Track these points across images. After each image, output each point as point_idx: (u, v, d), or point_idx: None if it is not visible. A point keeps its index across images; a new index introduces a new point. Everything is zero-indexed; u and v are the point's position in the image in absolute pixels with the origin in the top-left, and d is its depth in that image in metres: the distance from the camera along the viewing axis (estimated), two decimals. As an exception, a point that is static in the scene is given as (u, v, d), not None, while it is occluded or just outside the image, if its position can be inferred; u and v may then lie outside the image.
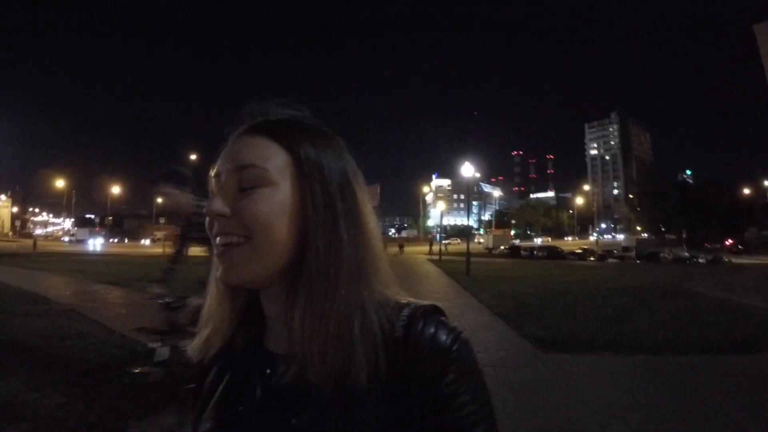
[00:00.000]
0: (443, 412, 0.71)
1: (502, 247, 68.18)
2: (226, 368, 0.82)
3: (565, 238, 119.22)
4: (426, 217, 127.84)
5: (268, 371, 0.77)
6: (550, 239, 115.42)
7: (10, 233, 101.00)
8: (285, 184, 0.75)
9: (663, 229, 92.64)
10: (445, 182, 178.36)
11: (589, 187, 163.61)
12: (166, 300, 4.16)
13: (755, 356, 7.67)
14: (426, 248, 62.66)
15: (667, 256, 56.57)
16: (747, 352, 7.91)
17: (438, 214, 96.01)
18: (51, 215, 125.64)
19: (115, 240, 70.40)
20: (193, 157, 54.12)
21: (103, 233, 76.97)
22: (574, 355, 7.73)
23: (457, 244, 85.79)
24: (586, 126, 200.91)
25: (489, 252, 67.25)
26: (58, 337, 7.96)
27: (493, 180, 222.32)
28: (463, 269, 25.25)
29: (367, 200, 0.81)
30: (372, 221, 0.81)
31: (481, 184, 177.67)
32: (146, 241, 68.39)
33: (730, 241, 74.97)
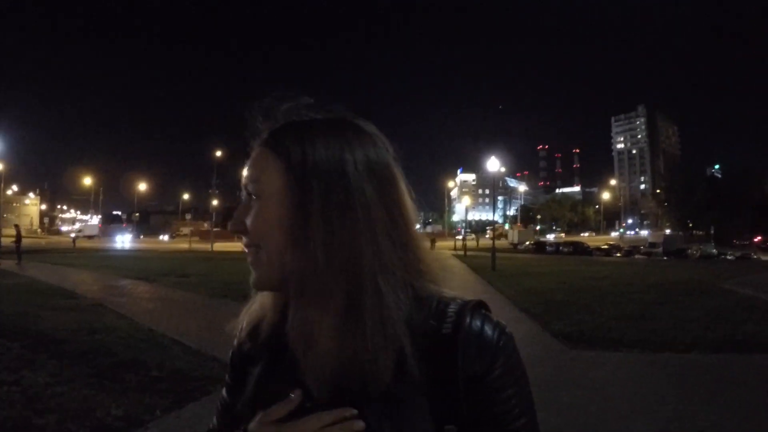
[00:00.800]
0: (489, 406, 0.73)
1: (527, 243, 67.91)
2: (273, 357, 0.85)
3: (582, 234, 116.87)
4: (451, 212, 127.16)
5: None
6: (564, 235, 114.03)
7: (39, 230, 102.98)
8: (278, 194, 0.78)
9: (690, 225, 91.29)
10: (470, 177, 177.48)
11: (616, 181, 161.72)
12: None
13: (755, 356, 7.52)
14: (451, 243, 62.81)
15: (694, 252, 55.55)
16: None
17: (463, 209, 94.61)
18: (79, 212, 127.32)
19: (128, 236, 70.25)
20: (218, 153, 54.19)
21: (130, 229, 76.31)
22: (600, 352, 7.67)
23: (471, 239, 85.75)
24: (613, 119, 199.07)
25: (514, 247, 67.07)
26: (87, 330, 8.03)
27: (518, 174, 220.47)
28: (488, 264, 25.20)
29: (395, 191, 0.81)
30: (402, 211, 0.81)
31: (507, 178, 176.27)
32: (165, 237, 66.65)
33: (759, 237, 73.37)
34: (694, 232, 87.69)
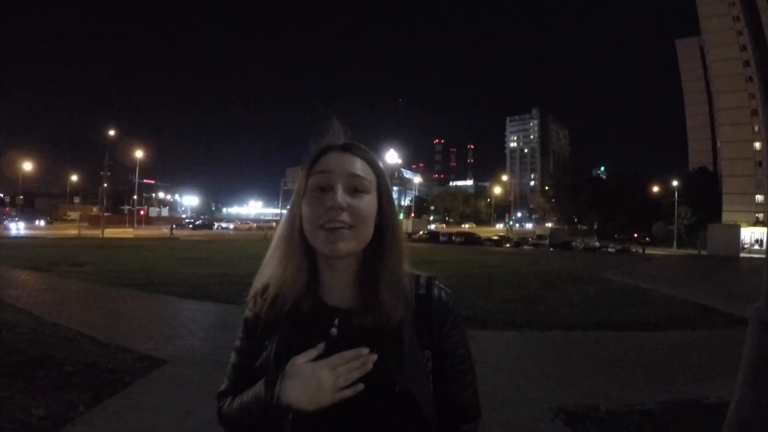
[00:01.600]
0: (447, 339, 1.16)
1: (420, 233, 69.08)
2: (295, 319, 1.12)
3: (463, 226, 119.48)
4: None
5: (337, 320, 1.11)
6: (467, 226, 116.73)
7: None
8: (374, 192, 1.14)
9: (576, 220, 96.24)
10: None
11: (507, 177, 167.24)
12: None
13: (656, 333, 8.56)
14: None
15: (578, 245, 59.13)
16: (649, 330, 8.81)
17: None
18: None
19: (21, 223, 62.25)
20: (111, 132, 50.87)
21: (15, 216, 68.40)
22: (494, 331, 8.30)
23: None
24: (508, 119, 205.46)
25: (408, 237, 68.25)
26: None
27: (414, 166, 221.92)
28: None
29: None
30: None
31: (402, 169, 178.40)
32: (41, 222, 61.45)
33: (637, 234, 79.13)
34: (579, 226, 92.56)
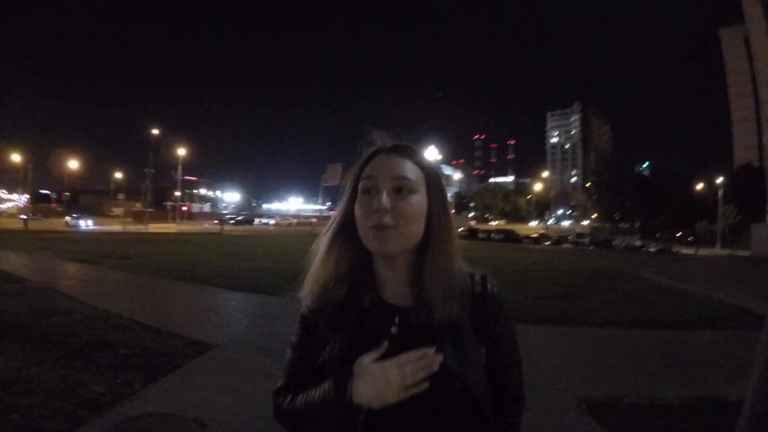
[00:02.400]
0: (501, 333, 1.22)
1: (460, 229, 69.05)
2: (356, 317, 1.17)
3: (491, 223, 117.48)
4: None
5: (397, 319, 1.15)
6: (503, 222, 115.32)
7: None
8: (422, 192, 1.17)
9: (617, 218, 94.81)
10: None
11: (548, 173, 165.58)
12: None
13: (688, 332, 8.57)
14: None
15: (619, 243, 58.08)
16: (679, 329, 8.84)
17: None
18: (4, 191, 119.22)
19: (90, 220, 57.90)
20: (155, 130, 51.68)
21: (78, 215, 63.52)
22: (528, 326, 8.42)
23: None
24: (548, 114, 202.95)
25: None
26: (43, 314, 7.98)
27: (453, 163, 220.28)
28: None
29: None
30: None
31: (443, 166, 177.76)
32: (68, 219, 56.70)
33: (681, 233, 77.44)
34: (621, 224, 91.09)
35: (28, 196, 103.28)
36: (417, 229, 1.14)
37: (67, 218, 55.41)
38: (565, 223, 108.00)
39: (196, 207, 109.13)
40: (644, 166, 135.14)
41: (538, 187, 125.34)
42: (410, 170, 1.16)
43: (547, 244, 57.17)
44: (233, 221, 77.19)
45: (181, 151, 73.11)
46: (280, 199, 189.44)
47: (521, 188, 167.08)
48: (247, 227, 69.11)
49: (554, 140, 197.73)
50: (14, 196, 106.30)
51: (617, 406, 4.95)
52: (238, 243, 31.29)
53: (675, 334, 8.52)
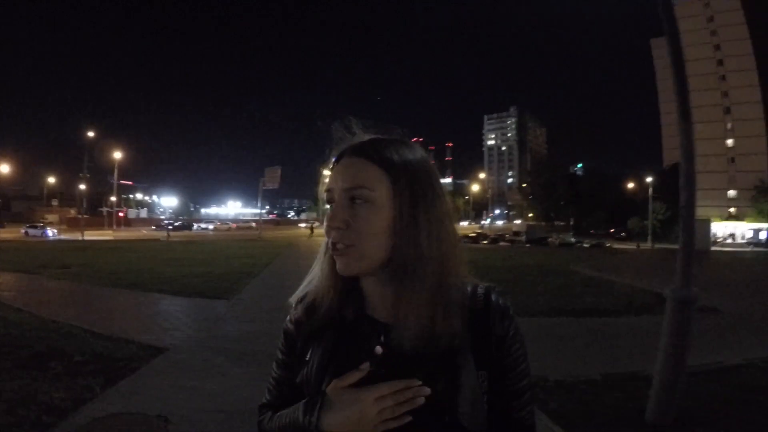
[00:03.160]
0: (507, 355, 1.01)
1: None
2: (338, 333, 1.04)
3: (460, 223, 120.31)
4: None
5: (382, 337, 0.99)
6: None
7: None
8: (384, 201, 0.96)
9: (553, 216, 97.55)
10: None
11: (485, 175, 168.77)
12: None
13: (612, 318, 9.37)
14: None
15: (554, 240, 60.10)
16: (606, 315, 9.66)
17: None
18: None
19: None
20: (90, 133, 49.38)
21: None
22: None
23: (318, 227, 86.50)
24: (486, 117, 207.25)
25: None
26: None
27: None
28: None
29: (446, 198, 1.05)
30: (451, 217, 1.05)
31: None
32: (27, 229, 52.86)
33: (614, 228, 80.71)
34: (556, 222, 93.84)
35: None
36: (376, 245, 0.97)
37: (26, 228, 52.36)
38: (499, 223, 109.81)
39: (132, 213, 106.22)
40: (578, 166, 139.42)
41: (475, 187, 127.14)
42: (367, 174, 0.98)
43: (484, 243, 58.33)
44: (171, 227, 75.65)
45: (117, 155, 71.00)
46: (219, 203, 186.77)
47: (459, 189, 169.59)
48: (185, 233, 67.50)
49: (491, 142, 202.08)
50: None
51: (544, 384, 5.49)
52: (177, 249, 30.81)
53: (600, 320, 9.39)
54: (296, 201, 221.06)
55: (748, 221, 76.13)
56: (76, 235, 46.52)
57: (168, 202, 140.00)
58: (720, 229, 75.37)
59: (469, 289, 1.05)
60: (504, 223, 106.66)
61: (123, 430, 4.29)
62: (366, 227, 0.96)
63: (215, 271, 16.89)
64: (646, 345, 7.00)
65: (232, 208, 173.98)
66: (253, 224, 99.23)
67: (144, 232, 63.99)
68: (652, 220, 72.30)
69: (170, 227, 63.58)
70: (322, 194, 1.05)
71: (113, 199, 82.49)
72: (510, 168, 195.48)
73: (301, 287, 1.16)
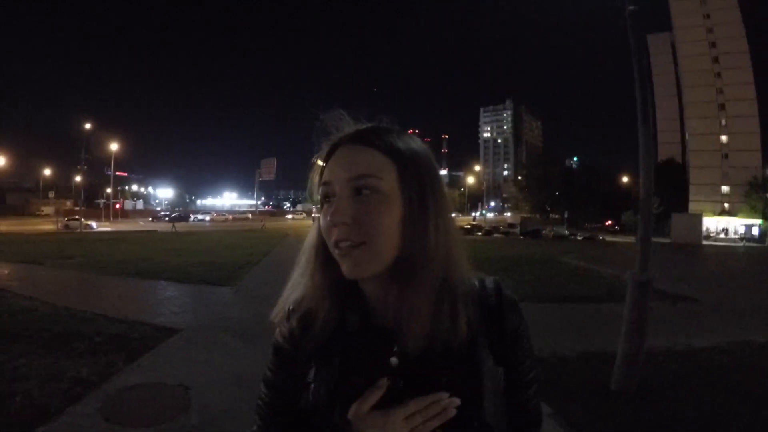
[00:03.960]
0: (521, 346, 1.00)
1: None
2: (343, 348, 0.94)
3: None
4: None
5: (395, 347, 0.90)
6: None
7: None
8: (393, 191, 0.88)
9: (548, 209, 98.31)
10: None
11: (481, 167, 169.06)
12: None
13: (592, 305, 10.01)
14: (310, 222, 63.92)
15: (548, 233, 60.82)
16: (587, 302, 10.32)
17: None
18: None
19: None
20: (87, 126, 48.92)
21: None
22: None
23: (303, 218, 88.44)
24: (482, 110, 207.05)
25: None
26: (7, 314, 8.21)
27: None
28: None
29: (446, 191, 0.97)
30: (452, 210, 1.00)
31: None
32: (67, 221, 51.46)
33: (609, 222, 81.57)
34: (551, 215, 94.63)
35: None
36: (392, 241, 0.88)
37: (65, 220, 52.17)
38: (490, 215, 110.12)
39: (129, 204, 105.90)
40: (574, 160, 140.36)
41: (471, 180, 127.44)
42: (374, 162, 0.89)
43: (479, 234, 58.92)
44: (167, 218, 75.11)
45: (114, 146, 70.62)
46: (214, 194, 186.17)
47: (455, 181, 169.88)
48: (183, 224, 67.05)
49: (487, 135, 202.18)
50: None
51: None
52: (177, 240, 31.25)
53: (581, 306, 10.05)
54: (292, 192, 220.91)
55: (740, 217, 76.87)
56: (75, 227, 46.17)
57: (164, 193, 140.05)
58: (713, 224, 76.24)
59: (476, 283, 1.01)
60: (495, 215, 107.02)
61: (148, 398, 4.83)
62: (378, 221, 0.86)
63: (217, 261, 17.54)
64: (618, 327, 7.84)
65: (228, 200, 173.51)
66: (249, 215, 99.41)
67: (141, 224, 63.78)
68: (646, 215, 73.14)
69: (167, 219, 63.29)
70: (313, 188, 0.98)
71: (109, 190, 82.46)
72: (505, 160, 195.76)
73: (283, 298, 1.04)
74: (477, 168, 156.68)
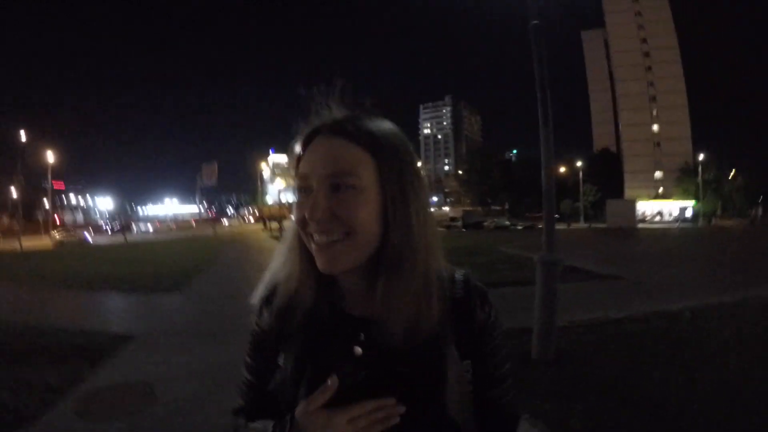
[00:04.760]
0: (491, 341, 0.99)
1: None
2: (313, 334, 0.96)
3: None
4: (264, 194, 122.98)
5: (362, 335, 0.93)
6: None
7: None
8: (371, 186, 0.88)
9: (489, 201, 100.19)
10: (283, 158, 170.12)
11: (422, 163, 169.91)
12: None
13: (520, 288, 10.54)
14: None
15: (489, 224, 62.40)
16: (516, 285, 11.07)
17: (276, 191, 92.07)
18: None
19: None
20: (23, 136, 46.30)
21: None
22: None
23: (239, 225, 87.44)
24: (421, 107, 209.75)
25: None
26: None
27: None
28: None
29: (426, 184, 0.98)
30: (429, 200, 1.00)
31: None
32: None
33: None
34: (492, 207, 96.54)
35: None
36: (371, 233, 0.89)
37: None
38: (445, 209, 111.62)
39: (69, 217, 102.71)
40: (513, 152, 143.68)
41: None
42: (350, 156, 0.89)
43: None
44: (111, 231, 71.17)
45: (50, 157, 67.86)
46: (155, 201, 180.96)
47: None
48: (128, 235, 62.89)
49: (427, 131, 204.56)
50: None
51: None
52: (119, 252, 30.59)
53: (512, 289, 10.76)
54: (234, 196, 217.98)
55: (674, 200, 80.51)
56: (13, 246, 42.13)
57: (103, 203, 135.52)
58: (648, 207, 79.65)
59: (446, 274, 1.00)
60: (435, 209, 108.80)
61: (117, 397, 5.23)
62: (355, 215, 0.87)
63: (160, 271, 17.46)
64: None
65: (170, 206, 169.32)
66: (193, 223, 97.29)
67: (80, 237, 61.58)
68: (584, 202, 75.73)
69: (114, 231, 61.04)
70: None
71: (46, 203, 79.72)
72: (446, 156, 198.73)
73: (263, 284, 1.06)
74: (418, 164, 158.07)
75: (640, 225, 65.24)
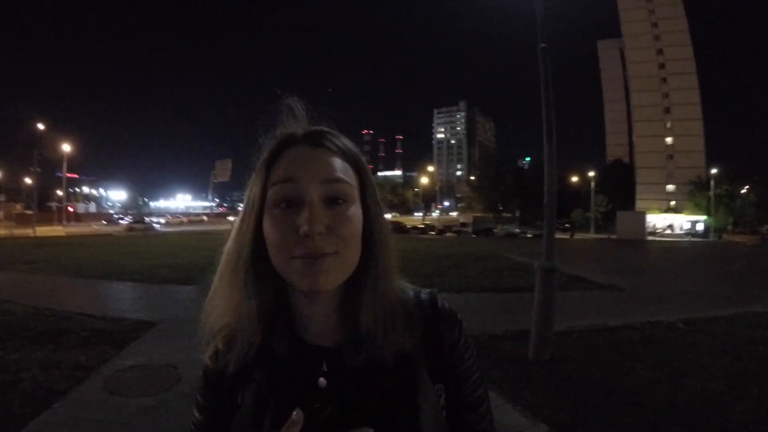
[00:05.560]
0: (461, 363, 0.93)
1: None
2: (270, 368, 0.87)
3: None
4: None
5: (324, 365, 0.86)
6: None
7: None
8: (357, 198, 0.84)
9: (500, 208, 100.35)
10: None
11: (434, 167, 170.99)
12: None
13: (524, 294, 10.72)
14: None
15: (499, 231, 62.75)
16: (521, 292, 11.44)
17: None
18: None
19: None
20: (41, 126, 47.43)
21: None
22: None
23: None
24: (435, 111, 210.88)
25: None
26: None
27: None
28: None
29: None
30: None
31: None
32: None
33: (560, 220, 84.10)
34: (503, 214, 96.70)
35: None
36: (358, 251, 0.83)
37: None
38: (435, 214, 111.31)
39: (81, 207, 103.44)
40: (526, 160, 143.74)
41: (425, 180, 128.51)
42: (343, 168, 0.83)
43: (432, 234, 60.35)
44: (134, 222, 70.92)
45: (66, 147, 68.60)
46: (167, 196, 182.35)
47: (409, 181, 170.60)
48: (142, 227, 62.18)
49: (441, 136, 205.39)
50: None
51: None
52: (133, 243, 31.00)
53: (515, 295, 11.23)
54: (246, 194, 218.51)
55: (685, 214, 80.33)
56: (27, 232, 44.09)
57: (116, 195, 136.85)
58: (659, 220, 79.58)
59: (411, 295, 0.95)
60: (438, 215, 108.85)
61: (144, 376, 5.68)
62: (351, 229, 0.81)
63: (179, 262, 17.91)
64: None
65: (182, 201, 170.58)
66: (205, 217, 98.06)
67: (95, 227, 62.59)
68: (595, 212, 75.84)
69: (137, 222, 61.48)
70: (251, 193, 0.86)
71: (60, 193, 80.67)
72: (459, 161, 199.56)
73: (207, 315, 0.93)
74: (431, 168, 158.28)
75: (650, 237, 65.32)
